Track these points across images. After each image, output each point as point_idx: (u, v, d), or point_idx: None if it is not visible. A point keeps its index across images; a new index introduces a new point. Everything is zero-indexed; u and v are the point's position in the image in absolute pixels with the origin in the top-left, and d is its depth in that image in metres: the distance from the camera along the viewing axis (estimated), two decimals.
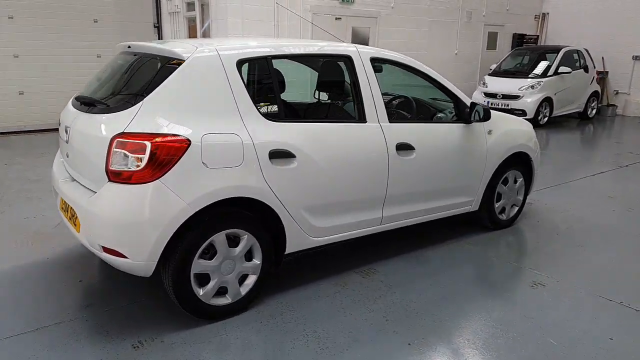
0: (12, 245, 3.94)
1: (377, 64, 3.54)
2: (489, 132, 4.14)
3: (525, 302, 3.24)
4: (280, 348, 2.70)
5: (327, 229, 3.30)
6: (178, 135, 2.61)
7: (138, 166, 2.55)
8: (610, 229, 4.62)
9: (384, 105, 3.47)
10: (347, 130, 3.30)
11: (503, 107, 10.59)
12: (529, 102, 10.42)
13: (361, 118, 3.37)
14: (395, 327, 2.92)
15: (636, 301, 3.26)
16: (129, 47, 3.23)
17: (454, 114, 4.00)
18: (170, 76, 2.71)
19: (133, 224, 2.58)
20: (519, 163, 4.46)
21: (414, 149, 3.59)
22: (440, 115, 4.11)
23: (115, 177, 2.60)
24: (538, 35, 14.07)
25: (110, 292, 3.27)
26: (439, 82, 3.87)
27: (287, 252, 3.16)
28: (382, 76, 4.00)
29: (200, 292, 2.82)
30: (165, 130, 2.60)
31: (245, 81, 2.92)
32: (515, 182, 4.51)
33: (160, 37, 10.14)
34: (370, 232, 3.58)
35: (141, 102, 2.65)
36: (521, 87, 10.53)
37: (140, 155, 2.55)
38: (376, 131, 3.40)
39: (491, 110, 4.30)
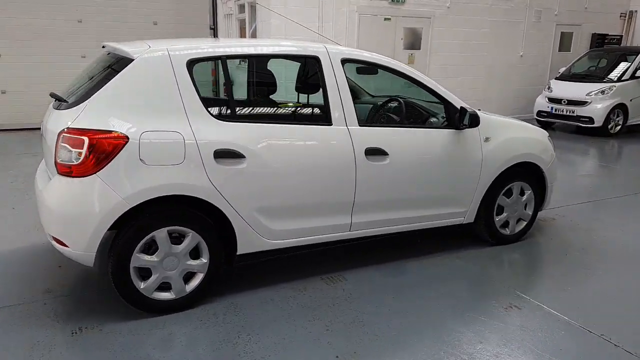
0: (21, 229, 4.29)
1: (351, 64, 3.42)
2: (486, 139, 3.84)
3: (488, 325, 2.98)
4: (205, 348, 2.70)
5: (286, 232, 3.25)
6: (116, 132, 2.70)
7: (78, 160, 2.67)
8: (635, 253, 4.11)
9: (353, 108, 3.35)
10: (309, 133, 3.22)
11: (568, 113, 9.82)
12: (598, 108, 9.55)
13: (327, 121, 3.27)
14: (333, 338, 2.81)
15: (620, 335, 2.88)
16: (103, 46, 3.39)
17: (445, 118, 3.77)
18: (118, 75, 2.81)
19: (72, 215, 2.72)
20: (527, 174, 4.11)
21: (388, 154, 3.43)
22: (432, 120, 3.89)
23: (61, 169, 2.74)
24: (621, 36, 12.86)
25: (80, 280, 3.45)
26: (424, 84, 3.66)
27: (239, 253, 3.15)
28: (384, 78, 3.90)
29: (141, 285, 2.89)
30: (104, 127, 2.70)
31: (196, 80, 2.94)
32: (522, 194, 4.15)
33: (215, 37, 10.53)
34: (339, 237, 3.47)
35: (88, 100, 2.78)
36: (590, 92, 9.68)
37: (80, 150, 2.67)
38: (342, 135, 3.29)
39: (493, 116, 4.02)
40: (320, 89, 3.29)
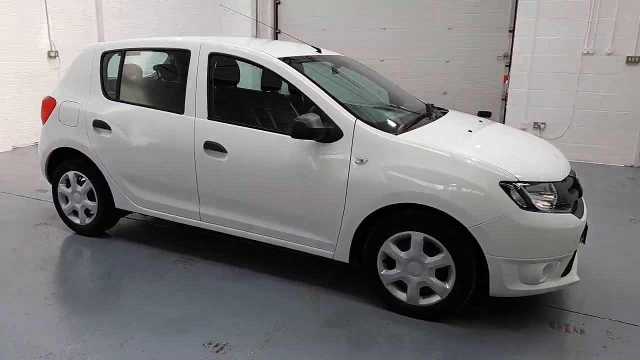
0: None
1: (219, 58, 3.44)
2: (360, 160, 2.94)
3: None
4: (69, 258, 3.74)
5: (146, 202, 3.75)
6: (53, 99, 4.03)
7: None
8: None
9: (206, 101, 3.40)
10: (161, 118, 3.55)
11: None
12: None
13: (180, 109, 3.50)
14: (83, 307, 3.28)
15: None
16: None
17: None
18: (74, 61, 4.10)
19: (39, 150, 4.24)
20: (443, 228, 2.80)
21: (226, 152, 3.30)
22: None
23: None
24: None
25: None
26: (296, 87, 3.16)
27: (116, 207, 3.91)
28: None
29: (63, 206, 4.16)
30: (53, 95, 4.08)
31: (106, 68, 3.87)
32: (432, 254, 2.86)
33: (512, 41, 9.66)
34: (193, 224, 3.62)
35: (63, 78, 4.21)
36: None
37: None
38: (188, 124, 3.44)
39: (390, 136, 3.01)
40: (186, 80, 3.52)
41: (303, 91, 3.14)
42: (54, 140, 4.03)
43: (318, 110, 3.07)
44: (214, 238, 4.05)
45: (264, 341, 2.73)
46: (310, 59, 3.65)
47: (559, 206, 2.80)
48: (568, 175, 3.08)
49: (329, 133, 3.00)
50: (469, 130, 3.30)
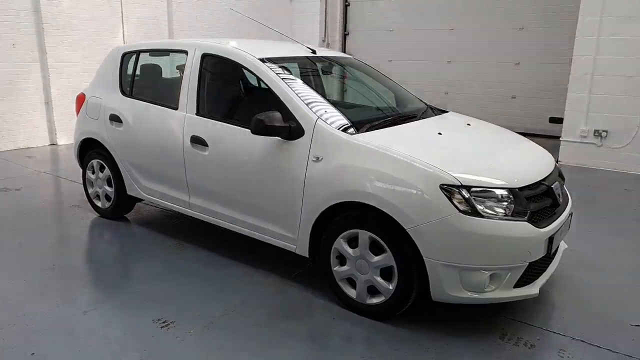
0: None
1: (211, 60, 3.67)
2: (316, 158, 3.01)
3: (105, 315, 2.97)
4: (99, 235, 4.23)
5: (149, 190, 4.10)
6: (83, 94, 4.53)
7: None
8: None
9: (195, 98, 3.65)
10: (161, 113, 3.86)
11: None
12: None
13: (176, 106, 3.78)
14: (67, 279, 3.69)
15: None
16: None
17: None
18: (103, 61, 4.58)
19: (74, 137, 4.78)
20: (387, 228, 2.79)
21: (208, 146, 3.53)
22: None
23: None
24: None
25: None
26: (270, 88, 3.29)
27: (128, 193, 4.30)
28: None
29: (89, 190, 4.65)
30: (83, 91, 4.58)
31: (125, 67, 4.28)
32: (377, 253, 2.85)
33: None
34: (185, 212, 3.90)
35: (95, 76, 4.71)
36: None
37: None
38: (180, 119, 3.72)
39: (349, 136, 3.03)
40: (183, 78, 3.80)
41: (273, 89, 3.27)
42: (82, 131, 4.53)
43: (283, 108, 3.18)
44: (213, 227, 4.29)
45: (208, 323, 2.90)
46: (297, 59, 3.77)
47: (516, 214, 2.66)
48: (541, 183, 2.90)
49: (291, 130, 3.10)
50: (439, 133, 3.22)
